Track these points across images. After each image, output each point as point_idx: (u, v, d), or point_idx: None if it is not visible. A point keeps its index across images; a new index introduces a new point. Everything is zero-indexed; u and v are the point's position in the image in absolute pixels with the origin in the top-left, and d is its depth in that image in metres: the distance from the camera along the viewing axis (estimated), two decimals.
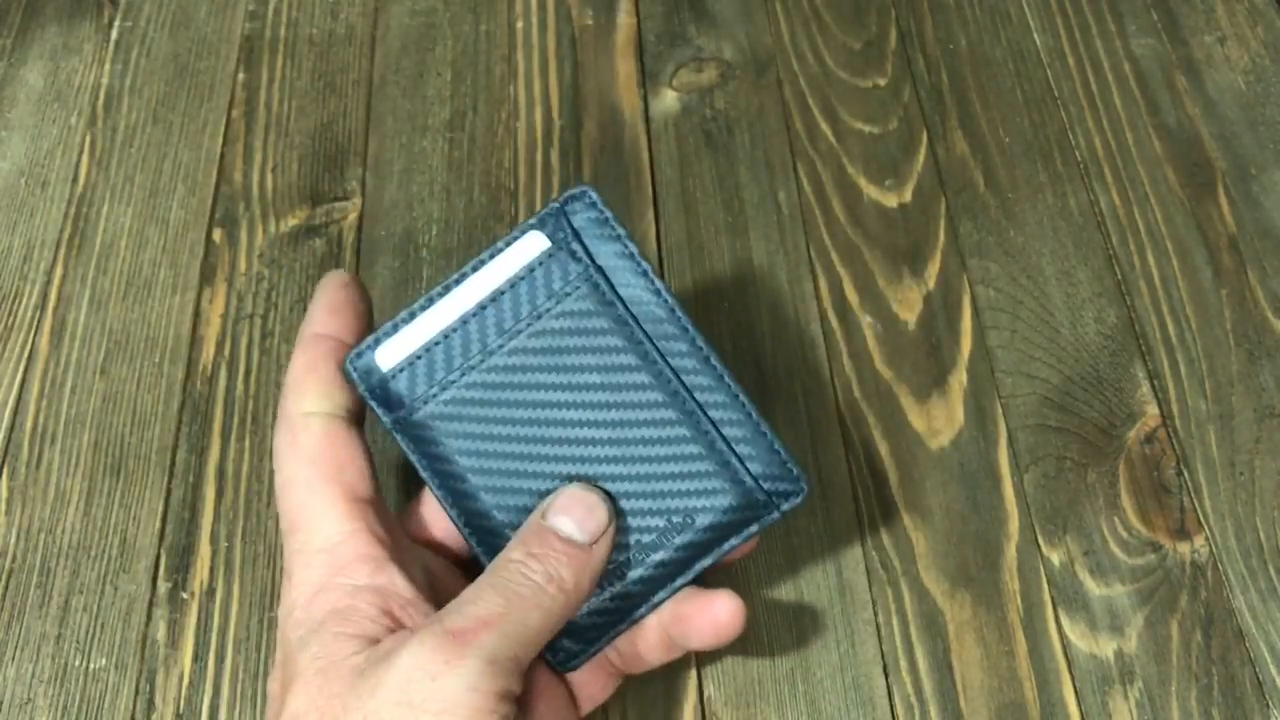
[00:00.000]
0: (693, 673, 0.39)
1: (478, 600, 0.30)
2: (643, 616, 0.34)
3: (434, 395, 0.34)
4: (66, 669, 0.38)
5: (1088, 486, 0.42)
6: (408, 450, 0.34)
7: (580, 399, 0.34)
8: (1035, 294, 0.47)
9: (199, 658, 0.38)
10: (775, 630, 0.39)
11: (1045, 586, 0.40)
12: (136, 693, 0.38)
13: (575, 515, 0.32)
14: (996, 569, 0.41)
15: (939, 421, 0.44)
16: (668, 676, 0.39)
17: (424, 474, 0.34)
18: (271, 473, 0.34)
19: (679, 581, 0.34)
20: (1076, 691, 0.38)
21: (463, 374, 0.34)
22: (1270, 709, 0.38)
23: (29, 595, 0.39)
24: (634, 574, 0.33)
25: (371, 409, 0.34)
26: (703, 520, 0.34)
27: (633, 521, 0.34)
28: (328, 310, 0.35)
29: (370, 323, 0.36)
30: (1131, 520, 0.42)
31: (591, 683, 0.35)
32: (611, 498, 0.33)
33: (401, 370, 0.34)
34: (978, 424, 0.44)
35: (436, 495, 0.34)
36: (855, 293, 0.47)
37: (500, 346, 0.34)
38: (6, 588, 0.40)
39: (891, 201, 0.50)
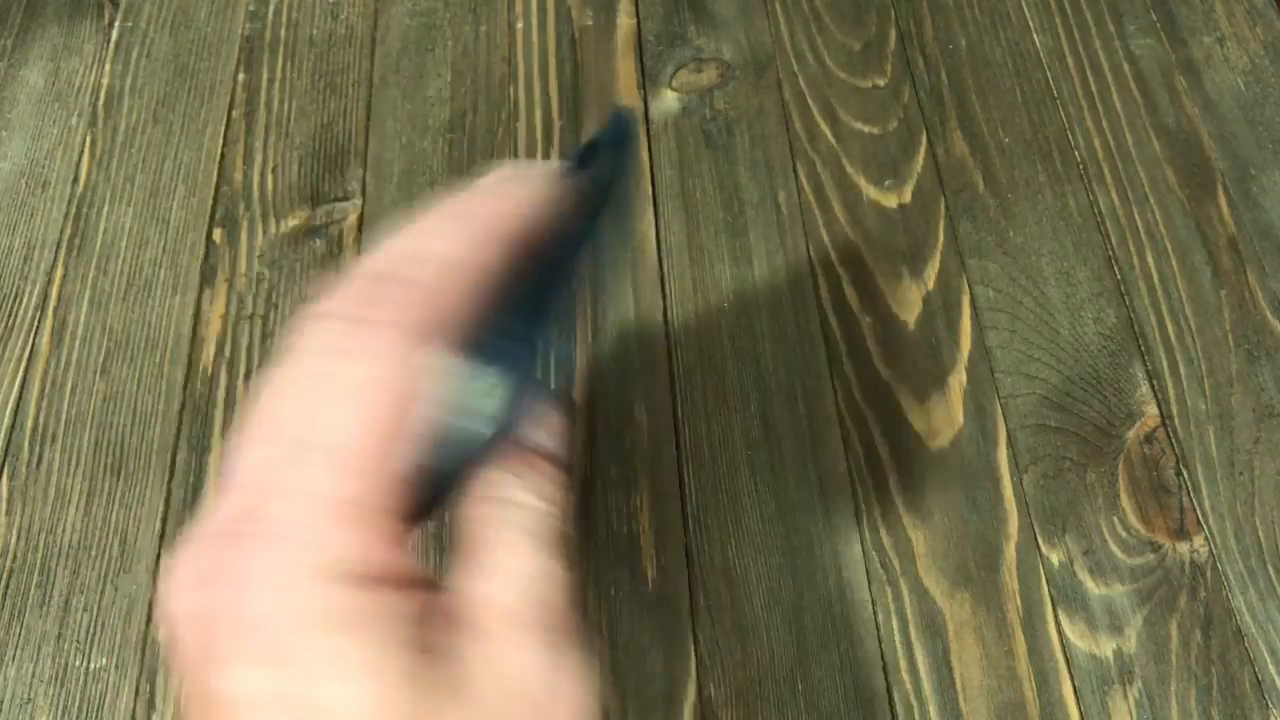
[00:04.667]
0: (693, 673, 0.39)
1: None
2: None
3: None
4: (67, 669, 0.38)
5: (1087, 486, 0.42)
6: None
7: None
8: (1035, 294, 0.47)
9: None
10: (775, 630, 0.39)
11: (1045, 586, 0.40)
12: (137, 693, 0.38)
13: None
14: (996, 569, 0.41)
15: (939, 422, 0.44)
16: (668, 677, 0.39)
17: None
18: None
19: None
20: (1076, 691, 0.38)
21: None
22: (1269, 708, 0.38)
23: (29, 595, 0.39)
24: None
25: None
26: None
27: None
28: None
29: None
30: (1131, 520, 0.42)
31: None
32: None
33: None
34: (977, 424, 0.44)
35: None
36: (855, 293, 0.47)
37: None
38: (7, 587, 0.40)
39: (891, 202, 0.50)
